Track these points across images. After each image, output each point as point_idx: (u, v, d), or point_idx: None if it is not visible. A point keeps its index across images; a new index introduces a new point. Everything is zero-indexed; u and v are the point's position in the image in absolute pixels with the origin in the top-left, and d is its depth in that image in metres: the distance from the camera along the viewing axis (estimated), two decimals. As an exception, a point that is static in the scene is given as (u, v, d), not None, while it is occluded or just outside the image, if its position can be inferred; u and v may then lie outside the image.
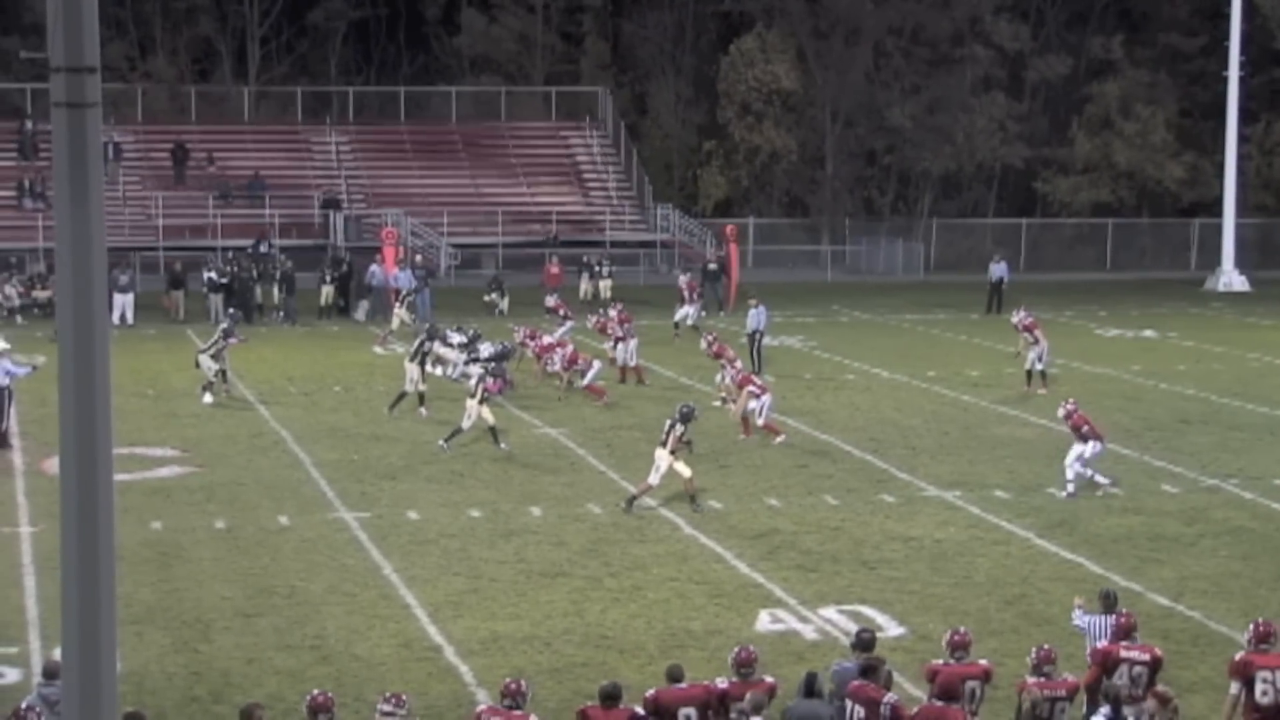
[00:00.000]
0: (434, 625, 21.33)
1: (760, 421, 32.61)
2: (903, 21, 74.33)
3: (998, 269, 56.49)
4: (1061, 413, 28.76)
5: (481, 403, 31.46)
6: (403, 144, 70.74)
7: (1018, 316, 39.39)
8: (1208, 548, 25.02)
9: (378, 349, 45.03)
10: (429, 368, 36.98)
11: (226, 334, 37.04)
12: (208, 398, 36.57)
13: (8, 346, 33.21)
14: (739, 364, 36.05)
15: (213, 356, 36.85)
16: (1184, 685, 17.59)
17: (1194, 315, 54.78)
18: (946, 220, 72.90)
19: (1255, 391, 38.83)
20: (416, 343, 36.88)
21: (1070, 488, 28.05)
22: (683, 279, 52.60)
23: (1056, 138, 75.22)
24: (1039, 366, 38.48)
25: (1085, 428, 28.17)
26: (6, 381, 31.82)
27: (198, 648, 20.39)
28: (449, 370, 38.80)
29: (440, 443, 31.46)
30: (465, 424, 31.37)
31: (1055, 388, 36.78)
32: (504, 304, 52.82)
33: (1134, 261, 69.39)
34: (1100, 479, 28.45)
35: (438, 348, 37.75)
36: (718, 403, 35.58)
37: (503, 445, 31.36)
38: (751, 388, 33.02)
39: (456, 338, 39.43)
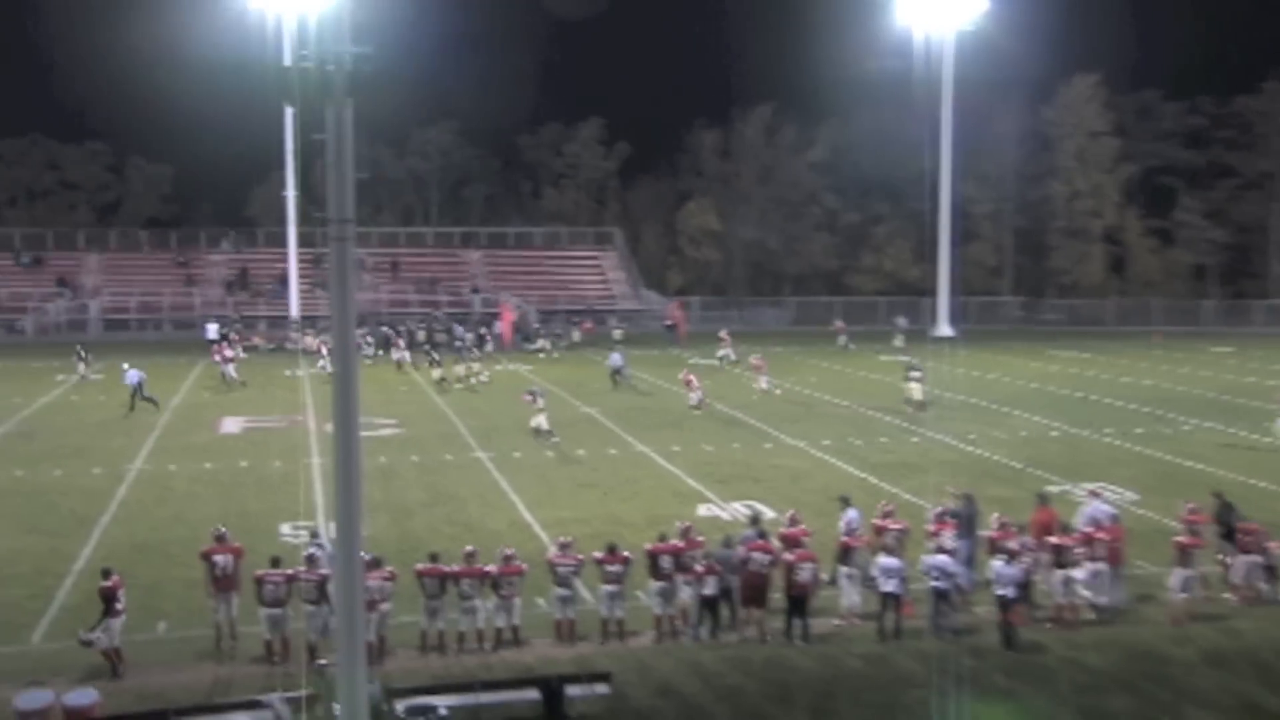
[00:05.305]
0: (528, 512, 21.42)
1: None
2: (774, 194, 74.44)
3: (840, 331, 54.27)
4: None
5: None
6: (513, 259, 70.48)
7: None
8: (785, 469, 24.97)
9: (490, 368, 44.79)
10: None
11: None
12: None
13: (128, 366, 34.66)
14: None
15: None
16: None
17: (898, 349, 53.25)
18: (801, 298, 72.63)
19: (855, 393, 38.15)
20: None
21: None
22: (901, 320, 53.97)
23: (855, 255, 75.13)
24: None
25: None
26: (137, 380, 33.43)
27: (403, 523, 20.55)
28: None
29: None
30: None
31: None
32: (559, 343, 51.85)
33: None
34: None
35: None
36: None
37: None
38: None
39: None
